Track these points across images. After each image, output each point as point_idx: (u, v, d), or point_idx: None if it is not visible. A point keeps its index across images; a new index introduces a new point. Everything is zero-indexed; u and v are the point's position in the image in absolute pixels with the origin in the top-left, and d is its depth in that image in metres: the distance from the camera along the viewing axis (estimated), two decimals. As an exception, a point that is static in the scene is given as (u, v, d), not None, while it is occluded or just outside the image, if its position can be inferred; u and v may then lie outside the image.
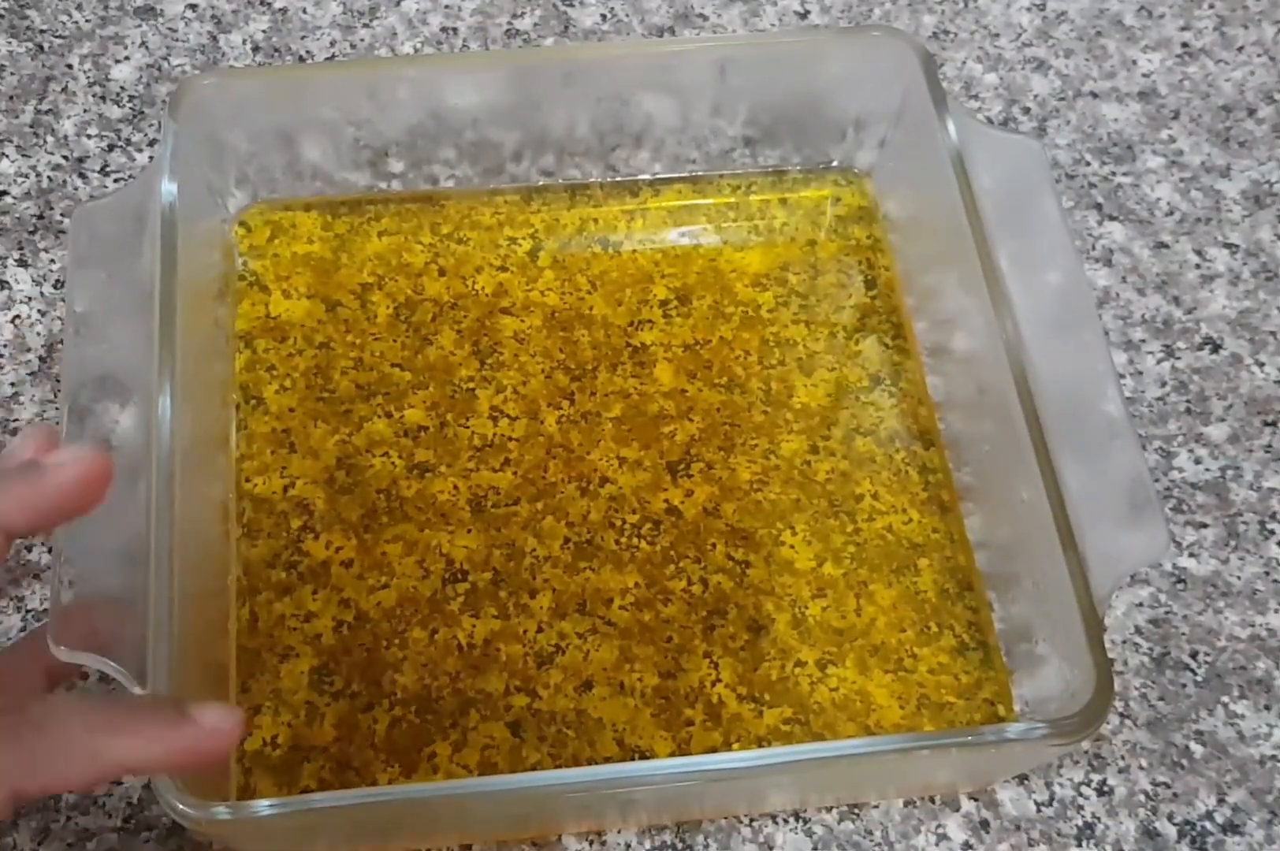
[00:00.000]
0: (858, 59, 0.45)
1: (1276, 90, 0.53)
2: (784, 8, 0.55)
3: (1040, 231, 0.40)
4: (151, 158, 0.50)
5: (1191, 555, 0.43)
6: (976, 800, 0.39)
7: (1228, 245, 0.49)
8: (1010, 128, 0.52)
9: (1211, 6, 0.56)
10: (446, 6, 0.54)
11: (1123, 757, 0.40)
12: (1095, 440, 0.37)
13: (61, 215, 0.48)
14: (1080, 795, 0.40)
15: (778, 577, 0.42)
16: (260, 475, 0.43)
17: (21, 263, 0.47)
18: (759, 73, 0.45)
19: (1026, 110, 0.52)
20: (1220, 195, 0.51)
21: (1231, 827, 0.39)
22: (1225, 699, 0.41)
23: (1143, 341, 0.47)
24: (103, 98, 0.51)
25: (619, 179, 0.49)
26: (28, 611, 0.41)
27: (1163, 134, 0.52)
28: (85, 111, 0.51)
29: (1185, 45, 0.55)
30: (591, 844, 0.38)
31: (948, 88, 0.49)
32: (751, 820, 0.39)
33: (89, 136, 0.50)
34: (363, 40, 0.53)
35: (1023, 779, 0.40)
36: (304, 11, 0.54)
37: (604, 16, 0.54)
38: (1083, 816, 0.39)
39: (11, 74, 0.52)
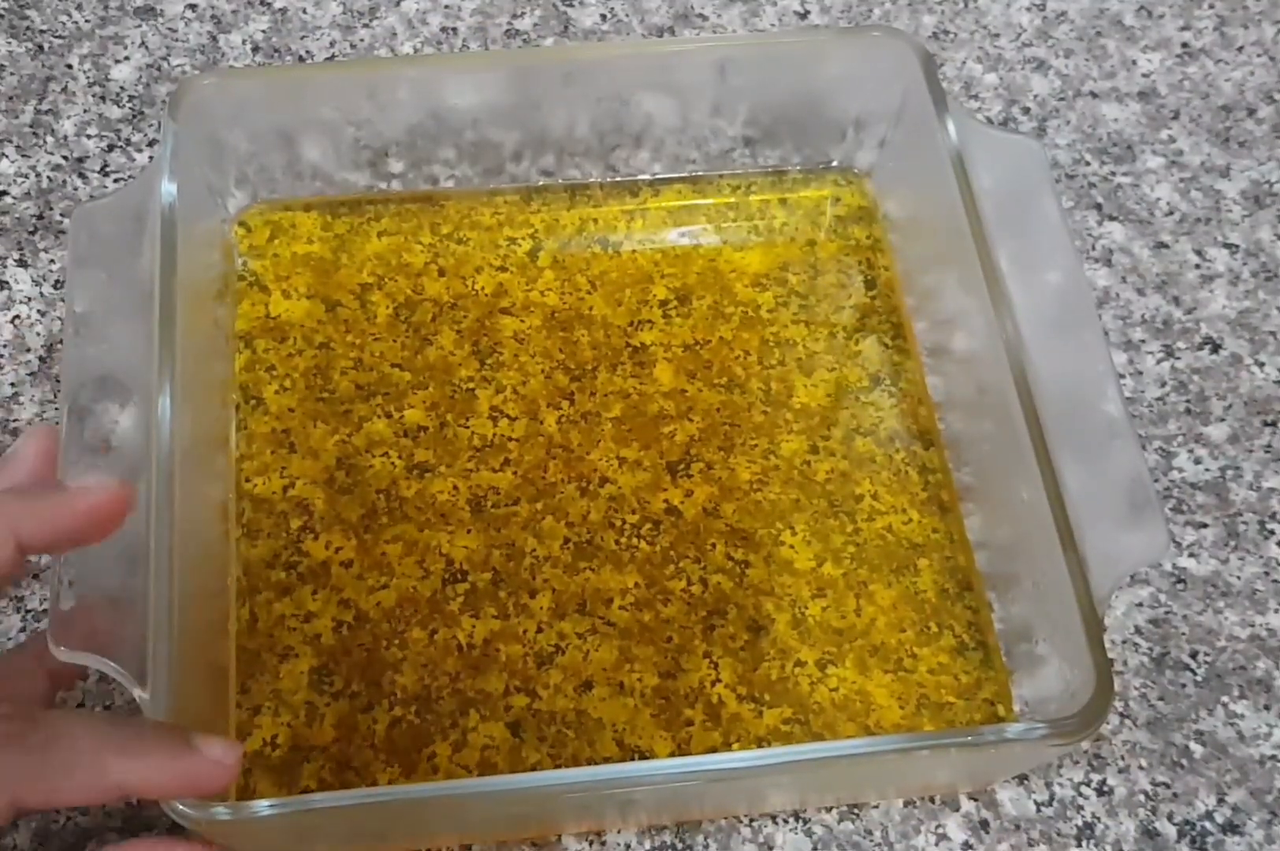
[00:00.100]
0: (858, 59, 0.45)
1: (1276, 90, 0.53)
2: (784, 8, 0.55)
3: (1040, 231, 0.40)
4: (151, 158, 0.50)
5: (1191, 555, 0.43)
6: (976, 800, 0.39)
7: (1228, 245, 0.49)
8: (1010, 128, 0.52)
9: (1211, 6, 0.56)
10: (446, 6, 0.54)
11: (1123, 757, 0.40)
12: (1095, 440, 0.37)
13: (61, 215, 0.48)
14: (1080, 795, 0.40)
15: (777, 577, 0.42)
16: (260, 475, 0.43)
17: (21, 263, 0.47)
18: (759, 73, 0.45)
19: (1026, 110, 0.52)
20: (1220, 195, 0.51)
21: (1231, 827, 0.39)
22: (1225, 699, 0.41)
23: (1143, 341, 0.47)
24: (103, 98, 0.51)
25: (619, 179, 0.49)
26: (28, 611, 0.41)
27: (1163, 134, 0.52)
28: (85, 111, 0.51)
29: (1185, 45, 0.55)
30: (591, 844, 0.38)
31: (948, 88, 0.49)
32: (751, 820, 0.39)
33: (89, 136, 0.50)
34: (363, 40, 0.53)
35: (1023, 779, 0.40)
36: (304, 11, 0.54)
37: (604, 16, 0.54)
38: (1083, 816, 0.39)
39: (11, 74, 0.52)
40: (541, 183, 0.49)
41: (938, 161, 0.41)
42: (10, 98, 0.51)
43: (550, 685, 0.40)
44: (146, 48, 0.53)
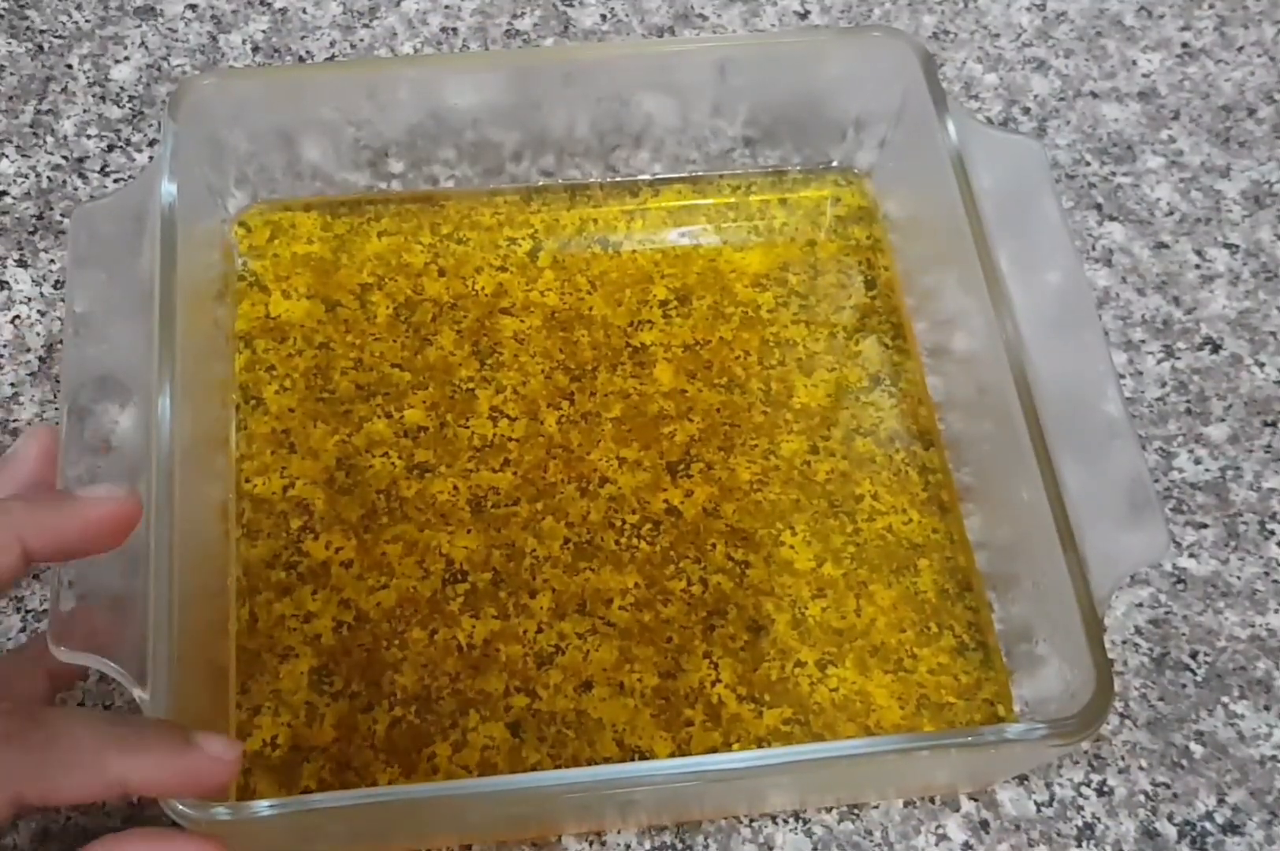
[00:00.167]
0: (858, 59, 0.45)
1: (1276, 90, 0.53)
2: (784, 8, 0.55)
3: (1040, 231, 0.40)
4: (151, 158, 0.50)
5: (1191, 555, 0.43)
6: (976, 800, 0.39)
7: (1228, 245, 0.49)
8: (1010, 128, 0.52)
9: (1211, 6, 0.56)
10: (446, 6, 0.54)
11: (1123, 758, 0.40)
12: (1095, 440, 0.37)
13: (61, 215, 0.48)
14: (1080, 795, 0.40)
15: (777, 578, 0.42)
16: (260, 475, 0.43)
17: (21, 263, 0.47)
18: (759, 73, 0.45)
19: (1026, 110, 0.52)
20: (1220, 195, 0.51)
21: (1231, 828, 0.39)
22: (1225, 699, 0.41)
23: (1143, 341, 0.47)
24: (102, 98, 0.51)
25: (619, 179, 0.49)
26: (27, 611, 0.41)
27: (1163, 134, 0.52)
28: (85, 111, 0.51)
29: (1185, 45, 0.55)
30: (591, 844, 0.38)
31: (948, 88, 0.49)
32: (751, 820, 0.39)
33: (89, 136, 0.50)
34: (363, 40, 0.53)
35: (1023, 779, 0.40)
36: (304, 11, 0.54)
37: (604, 16, 0.54)
38: (1083, 816, 0.39)
39: (11, 74, 0.52)
40: (541, 183, 0.49)
41: (938, 161, 0.41)
42: (10, 98, 0.51)
43: (550, 685, 0.40)
44: (146, 48, 0.53)
